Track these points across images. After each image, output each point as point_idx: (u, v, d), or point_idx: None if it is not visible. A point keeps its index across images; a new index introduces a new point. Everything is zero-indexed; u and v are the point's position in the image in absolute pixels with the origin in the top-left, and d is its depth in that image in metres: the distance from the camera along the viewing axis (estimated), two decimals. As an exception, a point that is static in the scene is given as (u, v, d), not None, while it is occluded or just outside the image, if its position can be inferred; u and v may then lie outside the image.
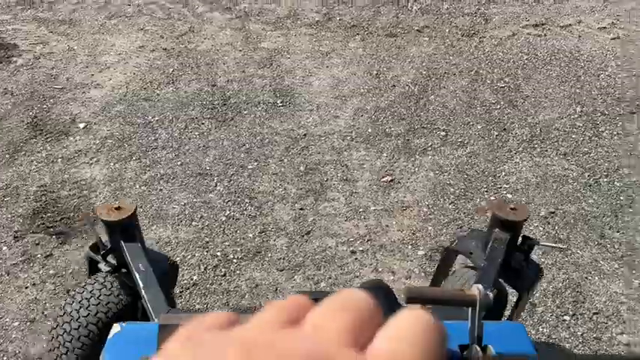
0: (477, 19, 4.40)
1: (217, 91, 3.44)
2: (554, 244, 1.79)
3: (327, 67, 3.75)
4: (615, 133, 3.13)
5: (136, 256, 1.34)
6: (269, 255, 2.35)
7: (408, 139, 3.05)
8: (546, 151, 2.98)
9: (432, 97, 3.43)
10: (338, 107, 3.32)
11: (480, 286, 1.12)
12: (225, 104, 3.33)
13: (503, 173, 2.82)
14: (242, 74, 3.64)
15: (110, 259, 1.42)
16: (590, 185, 2.74)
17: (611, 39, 4.16)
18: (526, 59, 3.85)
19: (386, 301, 1.33)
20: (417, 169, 2.83)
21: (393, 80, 3.60)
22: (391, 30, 4.24)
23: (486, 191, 2.70)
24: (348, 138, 3.05)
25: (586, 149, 2.99)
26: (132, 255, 1.34)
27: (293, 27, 4.28)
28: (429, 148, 2.98)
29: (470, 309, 1.05)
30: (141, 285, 1.28)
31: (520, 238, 1.53)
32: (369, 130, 3.12)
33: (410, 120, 3.21)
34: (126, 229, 1.38)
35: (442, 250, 1.70)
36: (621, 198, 2.66)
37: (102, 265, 1.42)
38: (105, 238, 1.40)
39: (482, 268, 1.42)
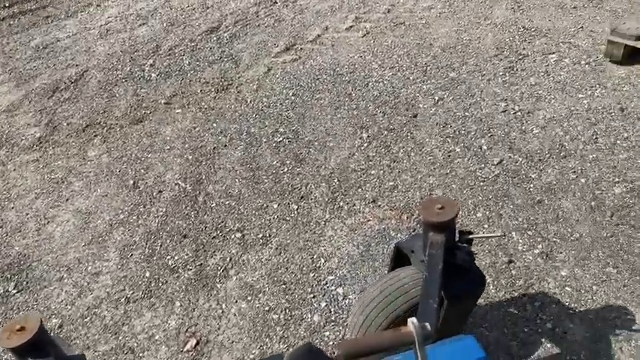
0: (226, 64, 3.86)
1: None
2: (490, 235, 1.71)
3: (68, 199, 2.85)
4: (409, 148, 2.85)
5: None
6: None
7: (201, 264, 2.37)
8: (354, 205, 2.55)
9: (211, 187, 2.78)
10: (97, 257, 2.48)
11: (414, 320, 1.11)
12: None
13: (322, 260, 2.31)
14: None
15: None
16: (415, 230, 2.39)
17: (362, 37, 3.97)
18: (292, 95, 3.42)
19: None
20: (224, 306, 2.17)
21: (157, 184, 2.86)
22: (135, 114, 3.47)
23: (314, 296, 2.16)
24: (123, 301, 2.25)
25: (391, 183, 2.65)
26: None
27: (9, 158, 3.24)
28: (230, 265, 2.34)
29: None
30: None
31: (457, 233, 1.53)
32: (147, 274, 2.35)
33: (194, 232, 2.53)
34: (35, 350, 1.24)
35: (393, 248, 1.71)
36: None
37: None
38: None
39: (425, 280, 1.42)
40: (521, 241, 2.25)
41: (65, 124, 3.49)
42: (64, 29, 4.86)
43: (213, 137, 3.14)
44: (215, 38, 4.25)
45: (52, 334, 1.37)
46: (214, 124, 3.24)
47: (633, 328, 1.89)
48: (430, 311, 1.33)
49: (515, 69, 3.32)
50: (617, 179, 2.47)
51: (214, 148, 3.05)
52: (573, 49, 3.42)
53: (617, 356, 1.80)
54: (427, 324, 1.15)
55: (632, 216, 2.29)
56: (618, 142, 2.67)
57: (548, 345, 1.86)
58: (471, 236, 1.54)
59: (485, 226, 2.35)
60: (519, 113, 2.95)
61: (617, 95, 2.97)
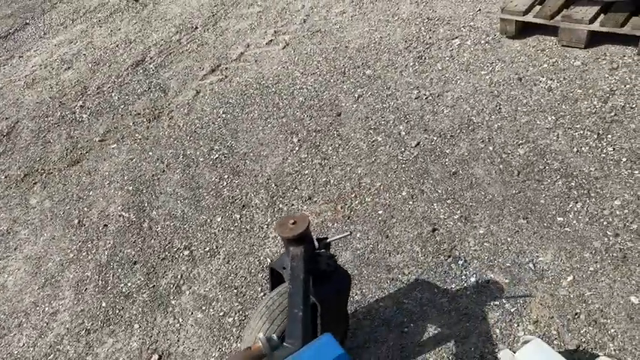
0: (155, 94, 3.97)
1: None
2: (340, 235, 1.87)
3: (16, 248, 2.89)
4: (337, 145, 3.05)
5: None
6: None
7: (154, 286, 2.48)
8: (292, 205, 2.73)
9: (154, 212, 2.89)
10: (52, 297, 2.54)
11: (261, 335, 1.29)
12: None
13: (268, 260, 2.46)
14: None
15: None
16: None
17: (282, 49, 4.17)
18: (223, 113, 3.58)
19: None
20: (180, 319, 2.29)
21: (101, 219, 2.94)
22: (71, 156, 3.53)
23: (264, 294, 2.31)
24: (84, 333, 2.33)
25: (324, 179, 2.84)
26: None
27: (-52, 220, 3.24)
28: (182, 282, 2.46)
29: None
30: None
31: (316, 242, 1.70)
32: (104, 304, 2.44)
33: (143, 258, 2.63)
34: None
35: (268, 269, 1.83)
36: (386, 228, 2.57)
37: None
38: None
39: (289, 293, 1.52)
40: (442, 210, 2.49)
41: (3, 177, 3.50)
42: (-11, 84, 4.83)
43: (151, 165, 3.25)
44: (141, 71, 4.35)
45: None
46: (150, 153, 3.35)
47: (544, 268, 2.14)
48: (296, 321, 1.42)
49: (423, 58, 3.60)
50: (520, 141, 2.75)
51: (153, 175, 3.16)
52: (473, 32, 3.73)
53: (534, 295, 2.04)
54: (274, 335, 1.31)
55: (535, 171, 2.56)
56: (519, 108, 2.97)
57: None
58: (327, 240, 1.71)
59: (411, 202, 2.57)
60: (430, 97, 3.22)
61: (514, 67, 3.28)
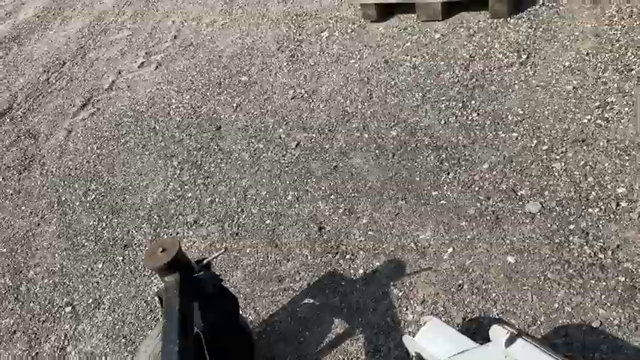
0: (23, 142, 3.67)
1: None
2: (216, 254, 1.72)
3: None
4: (219, 160, 2.94)
5: None
6: None
7: (37, 353, 2.26)
8: (177, 233, 2.59)
9: (32, 272, 2.64)
10: None
11: None
12: None
13: (157, 298, 2.32)
14: None
15: None
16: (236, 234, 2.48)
17: (155, 69, 3.99)
18: (97, 148, 3.36)
19: None
20: (67, 384, 2.10)
21: (-26, 291, 2.66)
22: None
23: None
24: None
25: (209, 199, 2.72)
26: None
27: None
28: (66, 342, 2.26)
29: None
30: None
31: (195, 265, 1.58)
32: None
33: (23, 325, 2.39)
34: None
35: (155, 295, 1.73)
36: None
37: None
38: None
39: (163, 327, 1.40)
40: (327, 207, 2.45)
41: None
42: None
43: (25, 220, 2.99)
44: (9, 120, 4.02)
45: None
46: (23, 207, 3.09)
47: (425, 245, 2.15)
48: (172, 355, 1.32)
49: (295, 56, 3.56)
50: (392, 123, 2.77)
51: (27, 231, 2.90)
52: (340, 22, 3.74)
53: (419, 274, 2.04)
54: None
55: (409, 150, 2.59)
56: (388, 90, 2.99)
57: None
58: (205, 261, 1.60)
59: (297, 205, 2.51)
60: (306, 95, 3.18)
61: (380, 51, 3.31)
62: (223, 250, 1.66)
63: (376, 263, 2.14)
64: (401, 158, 2.55)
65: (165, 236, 2.60)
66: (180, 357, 1.31)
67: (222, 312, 1.66)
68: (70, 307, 2.40)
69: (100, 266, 2.55)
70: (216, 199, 2.72)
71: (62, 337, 2.29)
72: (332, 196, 2.49)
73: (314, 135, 2.87)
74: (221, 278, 1.65)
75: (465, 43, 3.12)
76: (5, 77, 4.69)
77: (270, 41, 3.81)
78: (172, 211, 2.73)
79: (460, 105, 2.72)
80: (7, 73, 4.74)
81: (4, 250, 2.85)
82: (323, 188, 2.55)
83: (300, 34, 3.76)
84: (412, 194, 2.37)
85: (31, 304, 2.49)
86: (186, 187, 2.86)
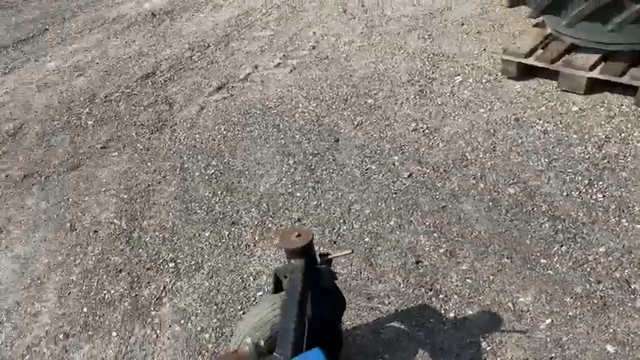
0: (161, 106, 4.05)
1: None
2: (342, 253, 1.87)
3: (7, 247, 2.92)
4: (332, 170, 3.09)
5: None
6: None
7: (136, 295, 2.49)
8: (282, 225, 2.75)
9: (145, 222, 2.92)
10: (36, 298, 2.56)
11: (249, 341, 1.40)
12: None
13: (251, 278, 2.48)
14: None
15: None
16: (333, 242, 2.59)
17: (289, 72, 4.25)
18: (224, 130, 3.64)
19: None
20: (158, 331, 2.30)
21: (93, 224, 2.97)
22: (72, 160, 3.58)
23: (243, 313, 2.31)
24: (62, 337, 2.34)
25: (315, 203, 2.87)
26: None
27: (-56, 213, 3.28)
28: (164, 293, 2.47)
29: None
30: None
31: (318, 257, 1.71)
32: (85, 310, 2.45)
33: (129, 267, 2.65)
34: None
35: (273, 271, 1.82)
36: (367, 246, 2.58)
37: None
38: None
39: (285, 304, 1.54)
40: (428, 243, 2.50)
41: (3, 176, 3.56)
42: (2, 86, 4.94)
43: (148, 175, 3.29)
44: (150, 83, 4.45)
45: None
46: (149, 164, 3.40)
47: (523, 309, 2.13)
48: (288, 333, 1.45)
49: (424, 92, 3.66)
50: (511, 181, 2.77)
51: (149, 186, 3.20)
52: (476, 70, 3.79)
53: (511, 335, 2.03)
54: (261, 341, 1.35)
55: (524, 212, 2.58)
56: (513, 148, 3.00)
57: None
58: (329, 257, 1.73)
59: (398, 232, 2.58)
60: (427, 130, 3.26)
61: (512, 107, 3.33)
62: (350, 251, 1.76)
63: (469, 311, 2.15)
64: (514, 217, 2.55)
65: (270, 225, 2.76)
66: (295, 334, 1.45)
67: (329, 308, 1.75)
68: (174, 264, 2.62)
69: (206, 234, 2.76)
70: (322, 205, 2.85)
71: (161, 288, 2.50)
72: (435, 234, 2.54)
73: (428, 171, 2.94)
74: (337, 276, 1.75)
75: (603, 122, 3.06)
76: (154, 45, 5.19)
77: (403, 72, 3.94)
78: (280, 204, 2.90)
79: (586, 182, 2.67)
80: (156, 42, 5.25)
81: (126, 196, 3.16)
82: (427, 224, 2.60)
83: (433, 73, 3.86)
84: (519, 255, 2.35)
85: (140, 251, 2.74)
86: (296, 186, 3.02)
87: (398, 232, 2.58)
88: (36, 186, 3.41)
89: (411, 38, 4.41)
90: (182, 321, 2.32)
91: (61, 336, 2.35)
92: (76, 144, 3.75)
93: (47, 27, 6.11)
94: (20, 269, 2.76)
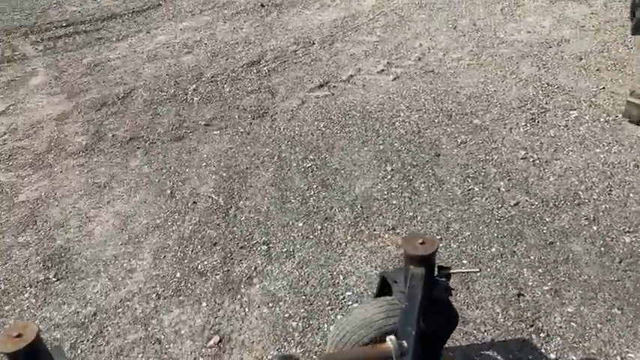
0: (263, 94, 4.14)
1: (-39, 288, 2.53)
2: (467, 270, 1.86)
3: (109, 202, 3.07)
4: (430, 184, 3.02)
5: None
6: None
7: (228, 270, 2.53)
8: (375, 230, 2.71)
9: (241, 202, 2.98)
10: (132, 255, 2.66)
11: (393, 338, 1.35)
12: (-26, 305, 2.43)
13: (341, 276, 2.45)
14: (-5, 250, 2.76)
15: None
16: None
17: (392, 80, 4.22)
18: (323, 127, 3.65)
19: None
20: (247, 309, 2.32)
21: (192, 195, 3.06)
22: (176, 132, 3.72)
23: (331, 308, 2.29)
24: (154, 297, 2.41)
25: (411, 214, 2.81)
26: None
27: (56, 161, 3.50)
28: (254, 274, 2.50)
29: None
30: None
31: (436, 269, 1.64)
32: (178, 275, 2.52)
33: (223, 242, 2.70)
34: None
35: (379, 276, 1.84)
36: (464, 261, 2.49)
37: None
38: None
39: (404, 310, 1.52)
40: (531, 277, 2.37)
41: (110, 135, 3.75)
42: (115, 51, 5.24)
43: (247, 158, 3.36)
44: (255, 71, 4.56)
45: (49, 347, 1.36)
46: (248, 147, 3.47)
47: (635, 366, 1.97)
48: (410, 339, 1.43)
49: (536, 121, 3.51)
50: (627, 229, 2.59)
51: (247, 168, 3.26)
52: (593, 108, 3.60)
53: (617, 391, 1.89)
54: (404, 342, 1.31)
55: (639, 264, 2.40)
56: (632, 195, 2.81)
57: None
58: (450, 271, 1.65)
59: (499, 261, 2.48)
60: (538, 161, 3.12)
61: (633, 153, 3.12)
62: (477, 270, 1.69)
63: (572, 356, 2.02)
64: (628, 268, 2.37)
65: (363, 227, 2.73)
66: (415, 339, 1.43)
67: (440, 322, 1.69)
68: (266, 247, 2.64)
69: (300, 225, 2.77)
70: (418, 217, 2.79)
71: (252, 268, 2.53)
72: (540, 270, 2.41)
73: (536, 203, 2.80)
74: (452, 292, 1.69)
75: None
76: (260, 35, 5.32)
77: (513, 98, 3.81)
78: (374, 209, 2.86)
79: None
80: (263, 32, 5.38)
81: (225, 174, 3.23)
82: (532, 258, 2.48)
83: (547, 103, 3.70)
84: (631, 308, 2.19)
85: (234, 228, 2.78)
86: (392, 193, 2.97)
87: (499, 261, 2.47)
88: (140, 150, 3.56)
89: (524, 64, 4.26)
90: (270, 304, 2.33)
91: (153, 296, 2.42)
92: (181, 117, 3.90)
93: (160, 2, 6.42)
94: (120, 225, 2.88)
